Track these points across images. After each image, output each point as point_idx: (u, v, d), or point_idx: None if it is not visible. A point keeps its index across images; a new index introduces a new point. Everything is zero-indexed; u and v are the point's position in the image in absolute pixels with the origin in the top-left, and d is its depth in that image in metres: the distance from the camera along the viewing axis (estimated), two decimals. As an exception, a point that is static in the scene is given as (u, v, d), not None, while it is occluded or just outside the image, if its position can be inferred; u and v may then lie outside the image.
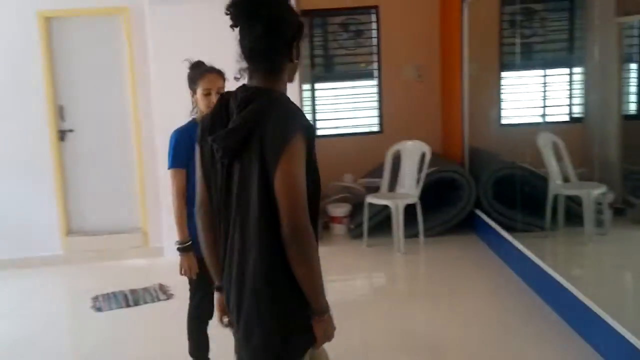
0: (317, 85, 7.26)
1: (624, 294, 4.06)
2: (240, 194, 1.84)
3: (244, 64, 1.90)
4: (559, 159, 5.29)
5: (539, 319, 4.12)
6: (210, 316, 3.16)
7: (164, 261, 5.88)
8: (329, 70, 7.52)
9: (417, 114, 7.06)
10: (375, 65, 7.27)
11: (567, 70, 6.61)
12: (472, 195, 5.73)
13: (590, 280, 4.38)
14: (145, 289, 5.18)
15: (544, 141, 5.36)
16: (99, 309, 4.86)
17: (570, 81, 6.61)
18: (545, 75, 6.61)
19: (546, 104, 6.63)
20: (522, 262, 4.78)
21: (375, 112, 7.36)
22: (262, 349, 1.82)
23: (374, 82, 7.32)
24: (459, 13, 6.15)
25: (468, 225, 5.96)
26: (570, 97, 6.60)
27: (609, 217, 5.11)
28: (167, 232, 5.62)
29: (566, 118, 6.63)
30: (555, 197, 5.19)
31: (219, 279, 2.03)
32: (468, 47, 6.11)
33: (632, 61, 6.04)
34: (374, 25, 7.16)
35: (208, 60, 3.10)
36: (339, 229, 6.23)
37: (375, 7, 7.05)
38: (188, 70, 3.08)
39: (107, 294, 5.16)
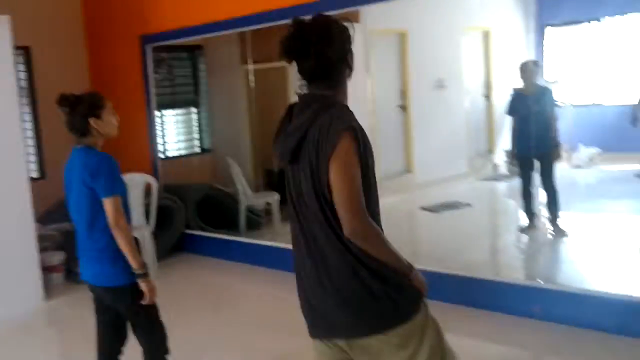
0: None
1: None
2: (305, 196, 1.93)
3: (304, 82, 2.00)
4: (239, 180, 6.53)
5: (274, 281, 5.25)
6: None
7: None
8: None
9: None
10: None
11: (196, 109, 7.83)
12: (182, 218, 6.31)
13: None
14: None
15: (233, 167, 6.52)
16: None
17: (199, 118, 7.85)
18: (176, 115, 7.65)
19: (180, 139, 7.70)
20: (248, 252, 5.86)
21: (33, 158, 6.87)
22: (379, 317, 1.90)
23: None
24: (140, 56, 6.57)
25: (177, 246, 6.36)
26: (200, 132, 7.85)
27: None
28: None
29: (198, 150, 7.86)
30: (244, 207, 6.48)
31: None
32: (154, 87, 6.64)
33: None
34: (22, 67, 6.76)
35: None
36: (57, 277, 5.78)
37: (26, 47, 6.70)
38: (82, 100, 2.95)
39: None
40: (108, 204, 2.82)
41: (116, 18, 6.94)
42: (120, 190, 2.88)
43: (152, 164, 6.64)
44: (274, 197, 6.56)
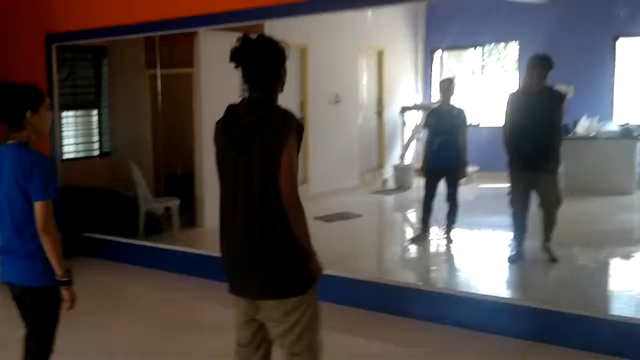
0: None
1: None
2: (247, 180, 2.37)
3: (246, 87, 2.46)
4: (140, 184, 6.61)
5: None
6: None
7: None
8: None
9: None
10: None
11: (96, 112, 7.79)
12: (80, 221, 6.27)
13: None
14: None
15: (135, 171, 6.59)
16: None
17: (100, 121, 7.81)
18: (76, 116, 7.60)
19: (79, 141, 7.64)
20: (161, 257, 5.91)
21: None
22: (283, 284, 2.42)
23: None
24: (44, 56, 6.51)
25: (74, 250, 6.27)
26: (100, 134, 7.82)
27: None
28: None
29: (97, 152, 7.82)
30: (144, 212, 6.58)
31: None
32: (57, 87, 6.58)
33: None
34: None
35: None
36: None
37: None
38: (22, 91, 2.86)
39: None
40: (40, 208, 2.72)
41: (22, 15, 6.82)
42: (53, 194, 2.78)
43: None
44: (174, 203, 6.70)
